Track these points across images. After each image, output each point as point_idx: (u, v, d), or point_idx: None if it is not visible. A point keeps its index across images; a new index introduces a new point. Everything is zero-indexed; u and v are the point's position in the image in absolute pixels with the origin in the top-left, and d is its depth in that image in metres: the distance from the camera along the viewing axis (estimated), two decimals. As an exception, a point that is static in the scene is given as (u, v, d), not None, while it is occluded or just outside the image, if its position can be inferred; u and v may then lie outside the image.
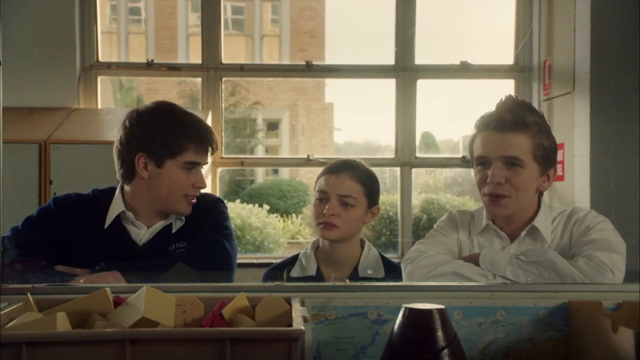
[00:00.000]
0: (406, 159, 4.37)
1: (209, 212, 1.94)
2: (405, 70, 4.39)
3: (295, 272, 1.99)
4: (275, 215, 6.33)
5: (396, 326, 1.10)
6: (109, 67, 4.38)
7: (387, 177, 5.04)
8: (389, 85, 4.44)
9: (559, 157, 3.96)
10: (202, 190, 1.94)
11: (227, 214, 1.98)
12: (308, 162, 4.37)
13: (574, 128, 3.86)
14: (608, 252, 1.57)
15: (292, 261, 2.03)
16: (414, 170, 4.42)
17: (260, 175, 9.64)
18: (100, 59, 4.36)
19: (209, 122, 4.12)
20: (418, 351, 1.06)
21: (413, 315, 1.08)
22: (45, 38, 4.11)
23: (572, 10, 3.87)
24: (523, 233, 1.70)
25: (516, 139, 1.65)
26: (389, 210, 5.47)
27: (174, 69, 4.52)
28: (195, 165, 1.86)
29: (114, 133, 3.74)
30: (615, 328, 1.12)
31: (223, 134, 4.41)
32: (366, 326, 1.32)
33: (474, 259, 1.63)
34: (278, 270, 2.03)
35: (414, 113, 4.38)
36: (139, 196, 1.87)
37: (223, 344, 1.02)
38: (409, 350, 1.07)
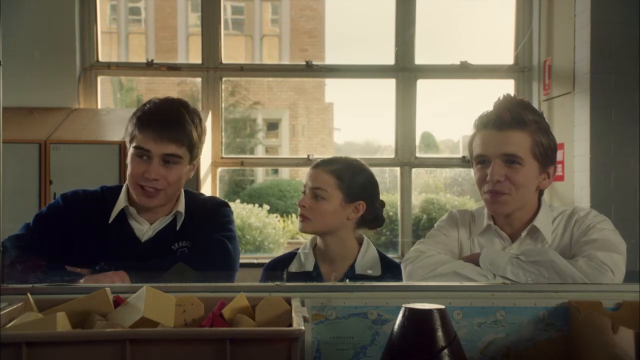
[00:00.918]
0: (406, 159, 4.37)
1: (214, 214, 1.94)
2: (405, 70, 4.39)
3: (293, 267, 2.00)
4: (275, 215, 6.33)
5: (396, 326, 1.10)
6: (109, 67, 4.38)
7: (387, 177, 5.04)
8: (389, 85, 4.44)
9: (559, 157, 3.96)
10: (207, 193, 1.94)
11: (231, 219, 1.98)
12: (308, 162, 4.37)
13: (573, 128, 3.86)
14: (608, 252, 1.57)
15: (290, 257, 2.04)
16: (414, 170, 4.42)
17: (260, 175, 9.65)
18: (100, 59, 4.36)
19: (208, 122, 4.12)
20: (418, 351, 1.06)
21: (413, 315, 1.08)
22: (45, 38, 4.11)
23: (572, 10, 3.87)
24: (524, 233, 1.70)
25: (515, 136, 1.66)
26: (389, 210, 5.47)
27: (174, 69, 4.52)
28: (147, 155, 1.81)
29: (113, 133, 3.77)
30: (615, 328, 1.12)
31: (223, 134, 4.41)
32: (366, 326, 1.32)
33: (474, 259, 1.63)
34: (276, 266, 2.04)
35: (414, 113, 4.38)
36: None
37: (223, 344, 1.02)
38: (409, 350, 1.07)
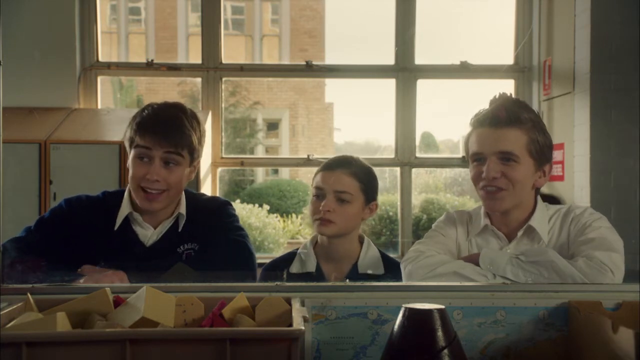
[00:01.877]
0: (406, 159, 4.37)
1: (218, 214, 1.94)
2: (405, 70, 4.38)
3: (294, 268, 1.99)
4: (275, 215, 6.34)
5: (396, 326, 1.10)
6: (109, 67, 4.38)
7: (387, 177, 5.04)
8: (389, 85, 4.44)
9: (559, 157, 3.96)
10: (207, 193, 1.94)
11: (237, 216, 1.98)
12: (308, 162, 4.37)
13: (573, 128, 3.86)
14: (607, 251, 1.57)
15: (289, 257, 2.03)
16: (414, 170, 4.42)
17: (260, 175, 9.66)
18: (100, 59, 4.36)
19: (208, 122, 4.12)
20: (418, 351, 1.06)
21: (413, 315, 1.08)
22: (45, 38, 4.11)
23: (572, 10, 3.87)
24: (520, 233, 1.70)
25: (511, 134, 1.66)
26: (389, 210, 5.48)
27: (174, 69, 4.52)
28: (148, 156, 1.81)
29: (113, 133, 3.77)
30: (615, 328, 1.12)
31: (223, 134, 4.41)
32: (366, 326, 1.32)
33: (473, 259, 1.63)
34: (276, 266, 2.03)
35: (414, 113, 4.38)
36: None
37: (223, 344, 1.02)
38: (409, 350, 1.07)
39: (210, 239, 1.87)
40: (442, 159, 4.95)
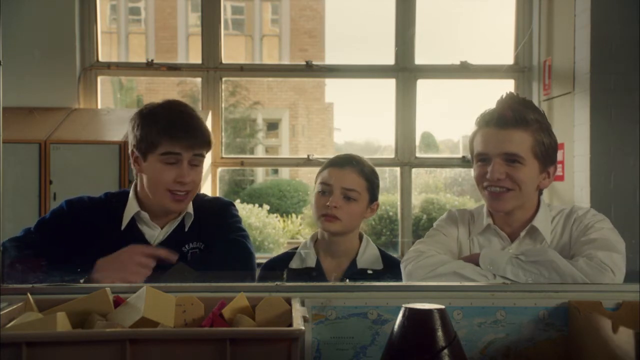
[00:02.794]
0: (406, 159, 4.37)
1: (222, 214, 1.94)
2: (405, 70, 4.38)
3: (294, 264, 2.00)
4: (275, 215, 6.33)
5: (396, 326, 1.10)
6: (109, 67, 4.38)
7: (387, 177, 5.04)
8: (389, 85, 4.43)
9: (559, 157, 3.96)
10: (207, 193, 1.94)
11: (240, 217, 1.99)
12: (308, 162, 4.37)
13: (573, 128, 3.86)
14: (608, 251, 1.57)
15: (288, 257, 2.04)
16: (414, 170, 4.42)
17: (260, 175, 9.65)
18: (100, 59, 4.36)
19: (208, 122, 4.12)
20: (418, 351, 1.06)
21: (413, 315, 1.08)
22: (45, 38, 4.11)
23: (572, 10, 3.87)
24: (523, 233, 1.70)
25: (516, 135, 1.66)
26: (389, 210, 5.48)
27: (174, 69, 4.52)
28: (176, 159, 1.81)
29: (113, 133, 3.77)
30: (615, 328, 1.12)
31: (223, 134, 4.41)
32: (366, 326, 1.32)
33: (473, 259, 1.63)
34: (275, 265, 2.04)
35: (413, 113, 4.37)
36: (145, 194, 1.87)
37: (223, 344, 1.02)
38: (409, 350, 1.07)
39: (213, 238, 1.88)
40: (442, 159, 4.95)
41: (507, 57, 4.51)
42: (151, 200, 1.86)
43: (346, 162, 1.99)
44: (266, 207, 6.12)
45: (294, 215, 7.27)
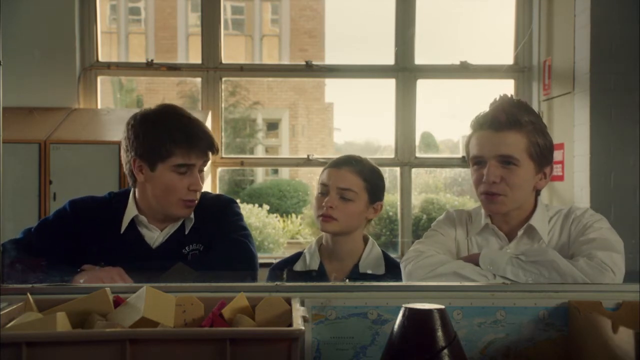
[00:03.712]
0: (406, 159, 4.37)
1: (224, 214, 1.94)
2: (405, 70, 4.38)
3: (298, 267, 2.00)
4: (275, 215, 6.34)
5: (396, 326, 1.10)
6: (108, 67, 4.38)
7: (387, 177, 5.02)
8: (388, 85, 4.44)
9: (559, 157, 3.96)
10: (204, 191, 1.94)
11: (242, 215, 1.98)
12: (308, 162, 4.37)
13: (573, 128, 3.86)
14: (608, 251, 1.57)
15: (297, 258, 2.04)
16: (413, 170, 4.42)
17: (260, 175, 9.65)
18: (100, 59, 4.36)
19: (208, 122, 4.12)
20: (418, 351, 1.06)
21: (413, 315, 1.08)
22: (45, 38, 4.11)
23: (572, 10, 3.87)
24: (520, 232, 1.71)
25: (511, 137, 1.66)
26: (389, 210, 5.48)
27: (173, 69, 4.52)
28: (189, 168, 1.83)
29: (113, 133, 3.77)
30: (615, 328, 1.12)
31: (223, 134, 4.41)
32: (366, 326, 1.32)
33: (473, 259, 1.63)
34: (284, 266, 2.04)
35: (413, 113, 4.38)
36: (144, 200, 1.87)
37: (223, 344, 1.02)
38: (409, 350, 1.07)
39: (215, 238, 1.87)
40: (442, 159, 4.95)
41: (507, 57, 4.51)
42: (156, 208, 1.85)
43: (344, 162, 1.99)
44: (266, 207, 6.12)
45: (293, 215, 7.28)
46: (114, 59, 9.04)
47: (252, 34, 10.93)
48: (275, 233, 5.93)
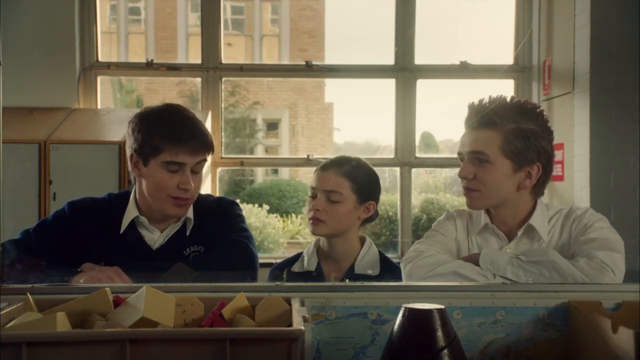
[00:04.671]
0: (406, 159, 4.37)
1: (225, 216, 1.93)
2: (405, 70, 4.38)
3: (296, 268, 2.01)
4: (275, 215, 6.34)
5: (396, 326, 1.10)
6: (108, 67, 4.38)
7: (387, 177, 5.04)
8: (388, 85, 4.43)
9: (559, 157, 3.96)
10: (207, 192, 1.93)
11: (243, 217, 1.98)
12: (308, 162, 4.37)
13: (573, 128, 3.86)
14: (608, 251, 1.57)
15: (297, 258, 2.05)
16: (413, 170, 4.42)
17: (260, 175, 9.65)
18: (100, 59, 4.36)
19: (208, 122, 4.12)
20: (418, 351, 1.06)
21: (413, 315, 1.08)
22: (45, 38, 4.11)
23: (572, 10, 3.87)
24: (520, 232, 1.71)
25: (482, 134, 1.69)
26: (388, 210, 5.48)
27: (173, 69, 4.52)
28: (180, 167, 1.80)
29: (113, 133, 3.77)
30: (615, 328, 1.12)
31: (223, 134, 4.41)
32: (366, 326, 1.32)
33: (473, 259, 1.63)
34: (284, 267, 2.04)
35: (413, 113, 4.37)
36: (143, 198, 1.87)
37: (223, 344, 1.02)
38: (409, 350, 1.07)
39: (216, 239, 1.87)
40: (442, 159, 4.95)
41: (507, 57, 4.52)
42: (151, 205, 1.85)
43: (330, 164, 1.99)
44: (266, 207, 6.12)
45: (293, 215, 7.28)
46: (114, 59, 9.04)
47: (252, 34, 10.93)
48: (275, 233, 5.93)
